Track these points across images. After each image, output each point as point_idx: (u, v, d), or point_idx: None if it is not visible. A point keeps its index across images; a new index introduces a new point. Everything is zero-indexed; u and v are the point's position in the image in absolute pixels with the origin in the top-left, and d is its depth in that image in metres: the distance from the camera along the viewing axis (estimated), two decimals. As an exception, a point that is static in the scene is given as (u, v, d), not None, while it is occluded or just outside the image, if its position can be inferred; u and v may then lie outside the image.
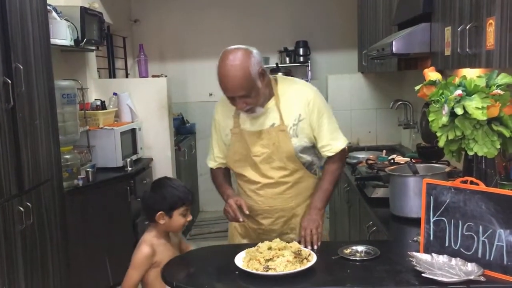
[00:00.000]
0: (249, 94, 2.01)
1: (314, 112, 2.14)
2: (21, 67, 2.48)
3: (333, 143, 2.18)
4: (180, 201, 2.08)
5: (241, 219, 2.09)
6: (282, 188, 2.19)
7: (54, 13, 3.43)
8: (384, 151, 3.66)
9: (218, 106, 2.30)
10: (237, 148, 2.19)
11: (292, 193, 2.21)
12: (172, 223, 2.09)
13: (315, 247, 1.92)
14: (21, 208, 2.45)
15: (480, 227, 1.58)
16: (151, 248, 2.07)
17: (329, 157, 2.21)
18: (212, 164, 2.34)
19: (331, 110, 2.23)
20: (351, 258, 1.78)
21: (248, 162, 2.19)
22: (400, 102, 4.00)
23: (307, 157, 2.21)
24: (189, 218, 2.13)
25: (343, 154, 2.24)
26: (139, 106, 4.53)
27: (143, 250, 2.07)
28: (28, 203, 2.52)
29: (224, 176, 2.32)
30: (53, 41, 3.24)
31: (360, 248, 1.85)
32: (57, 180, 2.90)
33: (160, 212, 2.07)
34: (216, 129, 2.30)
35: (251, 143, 2.15)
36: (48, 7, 3.11)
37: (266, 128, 2.14)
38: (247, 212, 2.09)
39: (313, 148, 2.22)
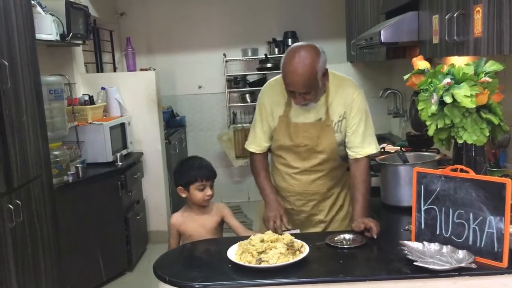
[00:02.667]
0: (309, 91, 2.07)
1: (354, 112, 2.19)
2: (6, 64, 2.44)
3: (364, 146, 2.20)
4: (192, 177, 2.31)
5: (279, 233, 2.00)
6: (318, 175, 2.29)
7: (38, 8, 3.38)
8: (375, 140, 3.67)
9: (267, 91, 2.31)
10: (281, 135, 2.25)
11: (326, 179, 2.31)
12: (192, 197, 2.33)
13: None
14: (11, 206, 2.42)
15: (471, 214, 1.59)
16: (177, 219, 2.40)
17: (357, 161, 2.20)
18: (254, 148, 2.33)
19: (370, 115, 2.26)
20: (338, 245, 1.79)
21: (291, 149, 2.26)
22: (389, 91, 4.01)
23: (344, 150, 2.27)
24: (208, 193, 2.32)
25: (369, 160, 2.24)
26: (128, 100, 4.50)
27: (171, 220, 2.42)
28: (18, 201, 2.49)
29: (266, 171, 2.33)
30: (39, 36, 3.20)
31: (348, 236, 1.87)
32: (46, 176, 2.87)
33: (179, 187, 2.36)
34: (262, 113, 2.29)
35: (296, 134, 2.22)
36: (33, 2, 3.07)
37: (313, 122, 2.21)
38: (289, 227, 2.14)
39: None
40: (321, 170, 2.28)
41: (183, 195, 2.37)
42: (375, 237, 1.85)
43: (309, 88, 2.06)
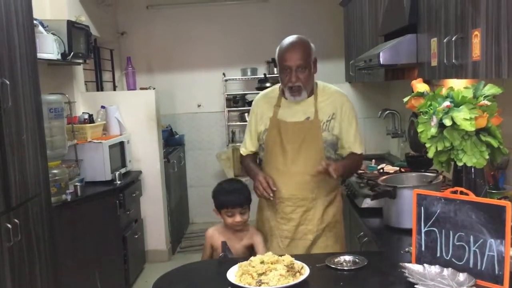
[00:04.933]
0: (305, 67, 2.31)
1: (345, 114, 2.40)
2: (8, 82, 2.45)
3: (356, 144, 2.43)
4: (221, 204, 2.36)
5: (271, 194, 2.29)
6: (305, 178, 2.36)
7: (40, 27, 3.41)
8: (373, 160, 3.68)
9: (259, 98, 2.56)
10: (272, 135, 2.42)
11: (314, 185, 2.38)
12: (223, 219, 2.38)
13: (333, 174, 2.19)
14: (9, 225, 2.41)
15: (471, 237, 1.59)
16: (211, 233, 2.44)
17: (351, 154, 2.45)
18: (243, 151, 2.60)
19: (358, 122, 2.49)
20: (338, 267, 1.78)
21: (279, 150, 2.40)
22: (388, 111, 4.03)
23: (331, 154, 2.41)
24: (237, 219, 2.33)
25: (362, 157, 2.50)
26: (127, 119, 4.51)
27: (206, 233, 2.46)
28: (16, 220, 2.48)
29: (251, 159, 2.57)
30: (40, 55, 3.22)
31: (348, 257, 1.86)
32: (45, 195, 2.87)
33: (214, 208, 2.41)
34: (251, 120, 2.54)
35: (286, 133, 2.38)
36: (35, 21, 3.09)
37: (301, 121, 2.38)
38: (275, 188, 2.31)
39: (335, 147, 2.43)
40: (308, 172, 2.34)
41: (218, 217, 2.43)
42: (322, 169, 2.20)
43: (305, 62, 2.30)
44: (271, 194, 2.29)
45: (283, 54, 2.34)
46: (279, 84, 2.51)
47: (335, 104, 2.40)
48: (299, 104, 2.41)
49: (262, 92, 2.61)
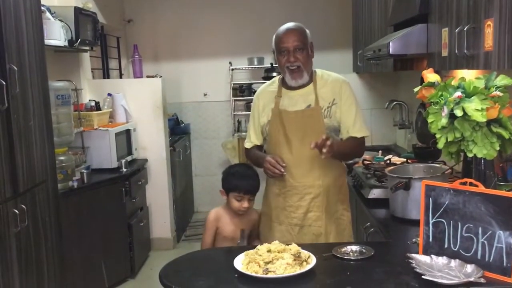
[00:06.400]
0: (302, 48, 2.35)
1: (345, 98, 2.40)
2: (15, 68, 2.45)
3: (356, 127, 2.40)
4: (232, 186, 2.39)
5: (282, 170, 2.30)
6: (311, 166, 2.37)
7: (48, 14, 3.40)
8: (380, 151, 3.66)
9: (260, 91, 2.58)
10: (275, 125, 2.42)
11: (321, 172, 2.38)
12: (229, 202, 2.42)
13: (324, 150, 2.14)
14: (16, 211, 2.43)
15: (480, 228, 1.58)
16: (216, 215, 2.44)
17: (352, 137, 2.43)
18: (248, 145, 2.59)
19: (359, 104, 2.47)
20: (345, 257, 1.78)
21: (284, 140, 2.40)
22: (395, 103, 4.01)
23: (337, 138, 2.41)
24: (245, 205, 2.38)
25: (363, 141, 2.47)
26: (133, 107, 4.51)
27: (209, 215, 2.46)
28: (23, 206, 2.50)
29: (256, 149, 2.57)
30: (47, 41, 3.21)
31: (355, 247, 1.86)
32: (51, 182, 2.88)
33: (221, 189, 2.44)
34: (254, 113, 2.55)
35: (288, 122, 2.38)
36: (42, 8, 3.09)
37: (303, 109, 2.38)
38: (284, 164, 2.31)
39: (339, 132, 2.43)
40: (315, 161, 2.34)
41: (223, 197, 2.47)
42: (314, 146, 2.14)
43: (302, 43, 2.34)
44: (282, 170, 2.31)
45: (280, 38, 2.37)
46: (279, 76, 2.51)
47: (335, 90, 2.40)
48: (299, 93, 2.41)
49: (262, 86, 2.60)
